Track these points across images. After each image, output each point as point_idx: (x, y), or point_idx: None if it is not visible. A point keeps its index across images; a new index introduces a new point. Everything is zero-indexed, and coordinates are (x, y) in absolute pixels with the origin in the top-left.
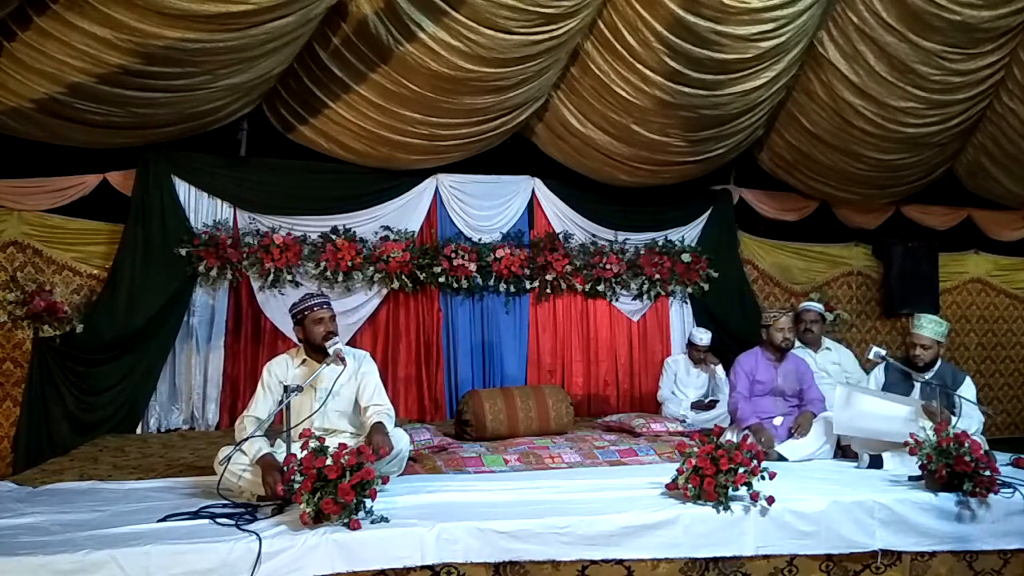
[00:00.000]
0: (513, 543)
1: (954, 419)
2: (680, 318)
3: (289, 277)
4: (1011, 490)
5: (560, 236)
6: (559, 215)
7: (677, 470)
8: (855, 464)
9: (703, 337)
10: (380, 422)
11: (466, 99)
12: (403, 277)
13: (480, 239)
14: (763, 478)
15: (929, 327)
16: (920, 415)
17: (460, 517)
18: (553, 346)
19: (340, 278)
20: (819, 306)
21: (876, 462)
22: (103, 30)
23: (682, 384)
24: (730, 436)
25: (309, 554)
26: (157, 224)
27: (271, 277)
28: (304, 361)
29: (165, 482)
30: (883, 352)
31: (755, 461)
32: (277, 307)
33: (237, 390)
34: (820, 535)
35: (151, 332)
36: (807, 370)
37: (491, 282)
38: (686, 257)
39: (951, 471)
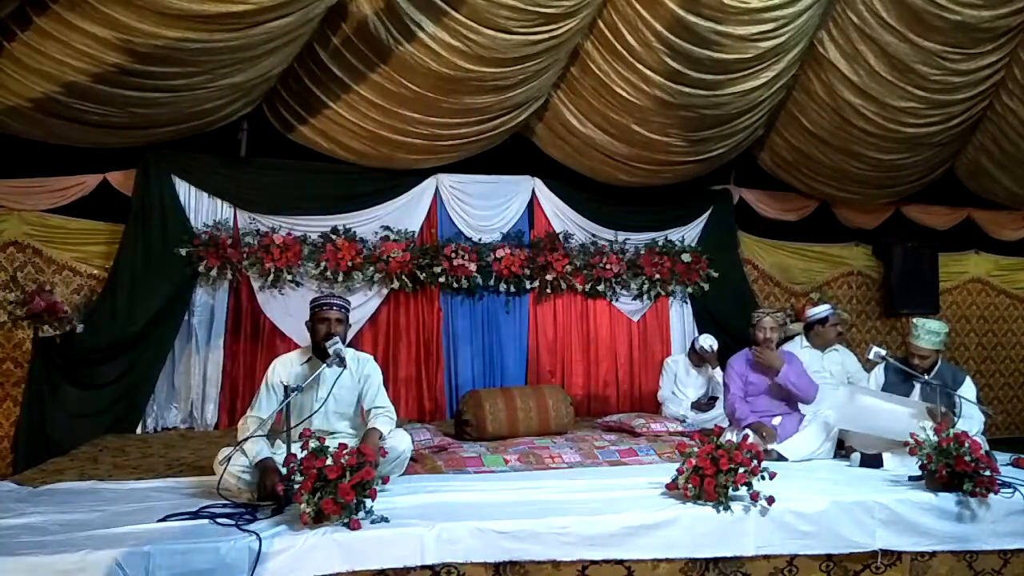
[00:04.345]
0: (513, 543)
1: (956, 419)
2: (680, 318)
3: (289, 277)
4: (1011, 490)
5: (560, 236)
6: (559, 215)
7: (677, 470)
8: (850, 463)
9: (714, 344)
10: (374, 428)
11: (466, 99)
12: (403, 277)
13: (480, 239)
14: (763, 478)
15: (926, 338)
16: (923, 415)
17: (460, 517)
18: (553, 346)
19: (340, 278)
20: (823, 308)
21: (876, 462)
22: (103, 30)
23: (682, 384)
24: (730, 436)
25: (309, 554)
26: (157, 224)
27: (271, 277)
28: (309, 360)
29: (165, 482)
30: (883, 352)
31: (755, 461)
32: (277, 307)
33: (236, 390)
34: (820, 535)
35: (151, 332)
36: (794, 360)
37: (491, 282)
38: (686, 257)
39: (951, 471)
